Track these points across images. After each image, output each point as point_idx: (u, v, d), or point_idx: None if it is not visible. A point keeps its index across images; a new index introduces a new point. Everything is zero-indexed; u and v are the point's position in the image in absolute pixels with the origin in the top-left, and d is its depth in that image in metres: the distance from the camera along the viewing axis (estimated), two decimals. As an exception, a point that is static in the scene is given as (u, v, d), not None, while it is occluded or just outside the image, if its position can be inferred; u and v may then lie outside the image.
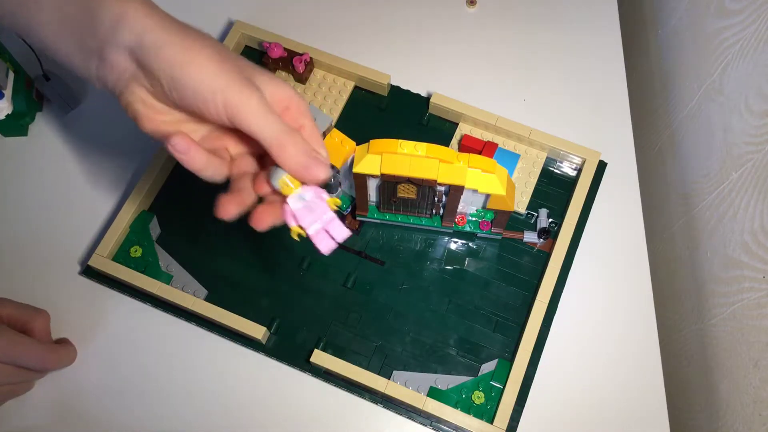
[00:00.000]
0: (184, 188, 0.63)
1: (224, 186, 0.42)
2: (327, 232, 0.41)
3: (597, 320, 0.60)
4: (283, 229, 0.62)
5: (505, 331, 0.58)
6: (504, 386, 0.55)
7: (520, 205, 0.62)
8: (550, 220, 0.62)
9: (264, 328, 0.56)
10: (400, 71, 0.68)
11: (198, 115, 0.39)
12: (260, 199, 0.42)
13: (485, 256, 0.61)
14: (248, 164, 0.43)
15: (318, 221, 0.40)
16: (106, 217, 0.63)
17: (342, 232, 0.41)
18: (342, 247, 0.61)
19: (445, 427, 0.55)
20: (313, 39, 0.68)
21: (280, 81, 0.42)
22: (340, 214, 0.62)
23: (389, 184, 0.55)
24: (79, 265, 0.61)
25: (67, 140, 0.66)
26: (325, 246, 0.41)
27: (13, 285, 0.60)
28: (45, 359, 0.54)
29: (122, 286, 0.59)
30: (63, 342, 0.57)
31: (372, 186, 0.57)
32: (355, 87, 0.68)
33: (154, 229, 0.61)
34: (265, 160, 0.43)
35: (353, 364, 0.54)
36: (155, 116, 0.40)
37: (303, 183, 0.39)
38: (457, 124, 0.66)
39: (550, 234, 0.61)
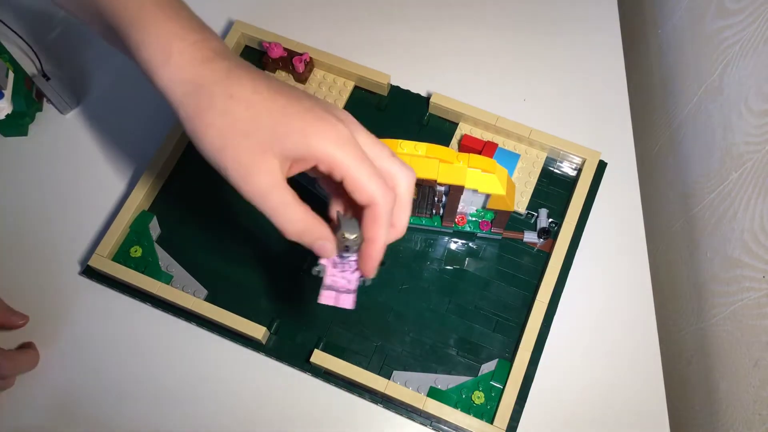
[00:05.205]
0: (184, 188, 0.63)
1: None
2: (337, 292, 0.42)
3: (597, 320, 0.60)
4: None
5: (505, 331, 0.58)
6: (504, 386, 0.55)
7: (520, 205, 0.62)
8: (550, 220, 0.62)
9: (264, 328, 0.56)
10: (400, 71, 0.68)
11: None
12: None
13: (485, 256, 0.61)
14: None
15: (339, 280, 0.42)
16: (106, 217, 0.63)
17: (348, 303, 0.42)
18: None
19: (445, 427, 0.55)
20: (313, 39, 0.68)
21: (363, 166, 0.38)
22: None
23: (389, 184, 0.55)
24: (79, 265, 0.61)
25: (67, 140, 0.66)
26: (325, 299, 0.42)
27: (13, 285, 0.59)
28: None
29: (122, 286, 0.59)
30: (26, 346, 0.57)
31: (372, 186, 0.57)
32: (355, 87, 0.68)
33: (154, 229, 0.61)
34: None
35: (353, 364, 0.54)
36: None
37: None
38: (457, 124, 0.66)
39: (550, 234, 0.61)
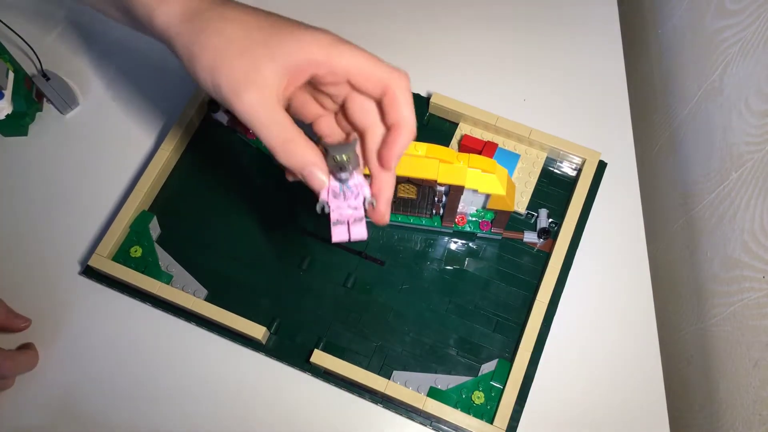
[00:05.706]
0: (184, 188, 0.63)
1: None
2: (348, 225, 0.40)
3: (597, 320, 0.60)
4: (284, 230, 0.62)
5: (505, 331, 0.58)
6: (504, 386, 0.55)
7: (520, 205, 0.62)
8: (550, 220, 0.62)
9: (264, 328, 0.56)
10: (400, 71, 0.68)
11: None
12: None
13: (485, 256, 0.61)
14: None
15: (345, 211, 0.40)
16: (106, 217, 0.63)
17: (361, 233, 0.40)
18: (342, 246, 0.61)
19: (445, 427, 0.55)
20: (313, 39, 0.68)
21: (364, 56, 0.37)
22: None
23: (389, 184, 0.55)
24: (79, 265, 0.61)
25: (67, 140, 0.66)
26: (338, 236, 0.40)
27: (12, 285, 0.60)
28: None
29: (122, 286, 0.59)
30: (25, 346, 0.57)
31: (372, 186, 0.57)
32: (355, 87, 0.68)
33: (154, 229, 0.61)
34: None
35: (353, 364, 0.54)
36: None
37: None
38: (457, 124, 0.66)
39: (550, 234, 0.61)
